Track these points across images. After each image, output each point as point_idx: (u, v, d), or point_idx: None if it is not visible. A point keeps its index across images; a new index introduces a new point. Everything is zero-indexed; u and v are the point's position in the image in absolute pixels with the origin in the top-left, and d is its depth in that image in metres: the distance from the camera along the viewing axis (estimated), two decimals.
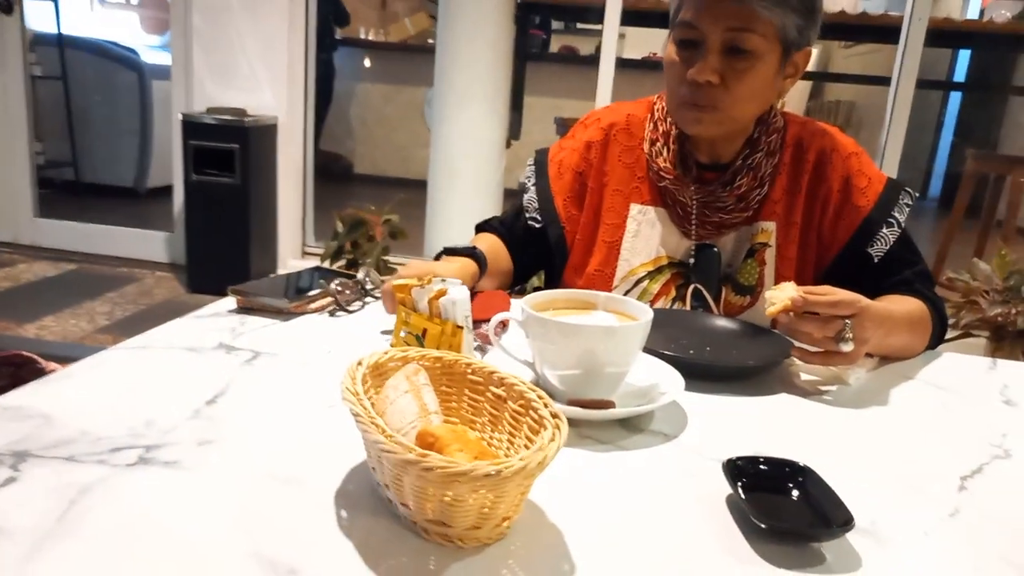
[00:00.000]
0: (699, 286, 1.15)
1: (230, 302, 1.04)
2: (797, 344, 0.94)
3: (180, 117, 3.17)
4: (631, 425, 0.77)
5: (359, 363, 0.62)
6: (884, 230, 1.12)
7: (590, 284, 1.17)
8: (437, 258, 1.13)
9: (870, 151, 1.21)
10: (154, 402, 0.74)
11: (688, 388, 0.82)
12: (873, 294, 1.01)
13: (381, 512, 0.58)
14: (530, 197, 1.23)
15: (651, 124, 1.18)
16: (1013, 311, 2.65)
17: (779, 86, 1.09)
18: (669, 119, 1.15)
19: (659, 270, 1.17)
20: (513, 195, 1.42)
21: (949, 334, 1.21)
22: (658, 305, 1.16)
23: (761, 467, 0.65)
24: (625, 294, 1.16)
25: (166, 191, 3.81)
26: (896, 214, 1.13)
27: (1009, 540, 0.62)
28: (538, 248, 1.24)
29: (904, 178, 1.16)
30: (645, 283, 1.16)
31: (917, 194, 1.18)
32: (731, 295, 1.15)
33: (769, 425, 0.82)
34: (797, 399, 0.89)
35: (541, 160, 1.25)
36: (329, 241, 2.78)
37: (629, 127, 1.20)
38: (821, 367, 0.96)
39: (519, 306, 0.78)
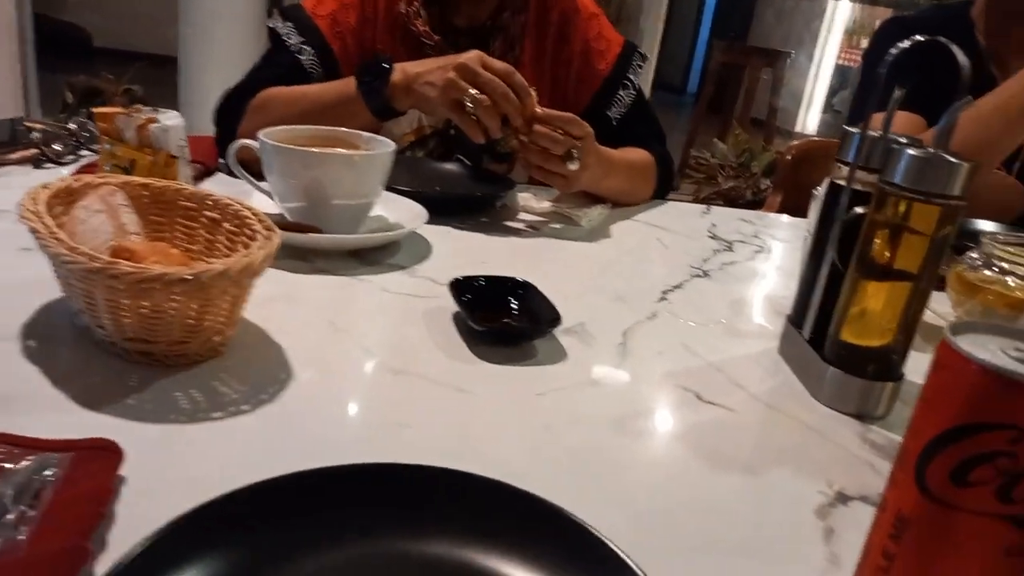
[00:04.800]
0: (461, 156, 1.15)
1: None
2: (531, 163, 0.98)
3: None
4: (370, 259, 0.78)
5: (44, 186, 0.56)
6: (621, 92, 1.19)
7: None
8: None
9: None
10: None
11: (435, 223, 0.85)
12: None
13: (81, 342, 0.54)
14: (309, 61, 1.07)
15: None
16: (743, 184, 2.99)
17: None
18: None
19: (422, 141, 1.16)
20: None
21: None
22: None
23: (485, 284, 0.68)
24: None
25: None
26: (631, 76, 1.20)
27: (692, 331, 0.72)
28: None
29: (666, 73, 1.23)
30: (408, 155, 1.15)
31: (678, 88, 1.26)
32: (491, 163, 1.17)
33: (504, 254, 0.87)
34: (534, 236, 0.95)
35: (301, 18, 1.09)
36: (58, 115, 2.44)
37: None
38: (555, 211, 1.02)
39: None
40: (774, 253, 1.03)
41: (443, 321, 0.66)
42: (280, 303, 0.64)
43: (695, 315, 0.76)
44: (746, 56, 4.25)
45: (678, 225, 1.09)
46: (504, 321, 0.66)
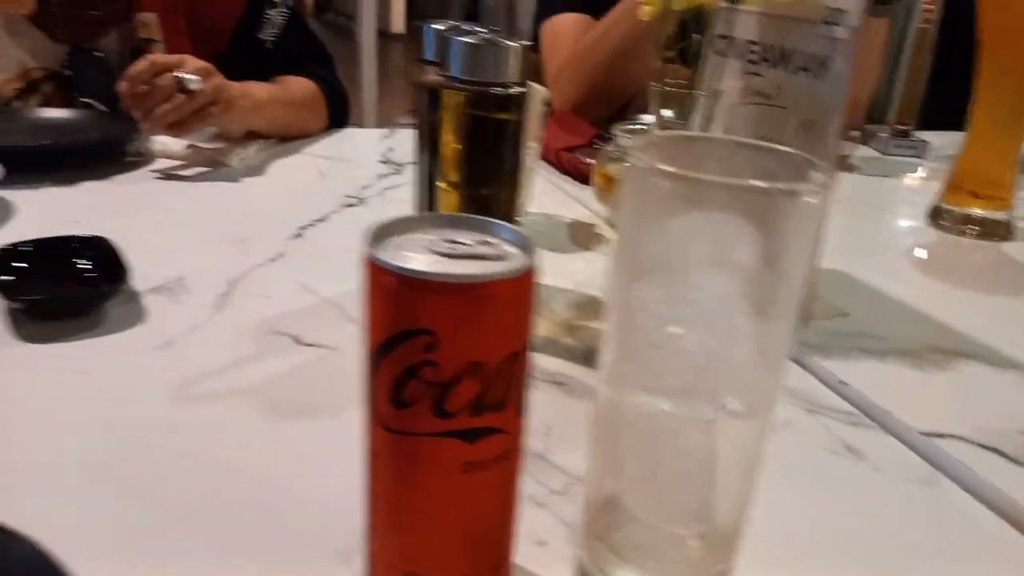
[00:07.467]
0: (88, 100, 0.99)
1: None
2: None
3: None
4: None
5: None
6: (270, 11, 1.08)
7: None
8: None
9: None
10: None
11: (35, 184, 0.74)
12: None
13: None
14: None
15: None
16: None
17: None
18: None
19: (31, 87, 0.98)
20: None
21: None
22: None
23: (34, 249, 0.57)
24: None
25: None
26: None
27: (319, 267, 0.65)
28: None
29: None
30: (15, 106, 0.96)
31: None
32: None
33: (112, 209, 0.75)
34: (166, 183, 0.83)
35: None
36: None
37: None
38: (201, 154, 0.91)
39: None
40: None
41: None
42: None
43: (331, 249, 0.70)
44: None
45: (351, 153, 1.02)
46: (65, 290, 0.56)
